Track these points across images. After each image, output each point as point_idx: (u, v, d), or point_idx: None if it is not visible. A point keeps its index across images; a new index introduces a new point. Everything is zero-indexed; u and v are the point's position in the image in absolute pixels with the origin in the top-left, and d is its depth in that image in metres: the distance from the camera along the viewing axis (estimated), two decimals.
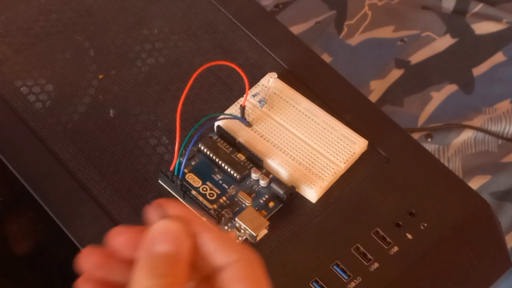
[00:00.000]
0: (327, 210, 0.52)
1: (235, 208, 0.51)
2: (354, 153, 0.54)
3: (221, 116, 0.55)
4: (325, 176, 0.53)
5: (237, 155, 0.54)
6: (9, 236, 0.57)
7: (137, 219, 0.51)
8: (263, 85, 0.57)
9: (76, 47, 0.60)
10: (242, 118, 0.55)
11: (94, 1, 0.63)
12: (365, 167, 0.54)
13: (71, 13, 0.62)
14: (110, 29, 0.61)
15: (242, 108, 0.54)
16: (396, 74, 0.83)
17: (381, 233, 0.51)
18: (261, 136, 0.54)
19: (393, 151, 0.56)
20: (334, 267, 0.49)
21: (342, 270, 0.49)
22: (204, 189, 0.52)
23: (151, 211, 0.31)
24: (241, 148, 0.54)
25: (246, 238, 0.50)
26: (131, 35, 0.61)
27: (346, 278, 0.49)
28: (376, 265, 0.50)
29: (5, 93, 0.56)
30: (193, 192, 0.52)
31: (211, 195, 0.52)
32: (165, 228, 0.30)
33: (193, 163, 0.53)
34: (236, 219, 0.50)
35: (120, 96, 0.57)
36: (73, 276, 0.31)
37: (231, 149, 0.54)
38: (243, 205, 0.52)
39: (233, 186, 0.52)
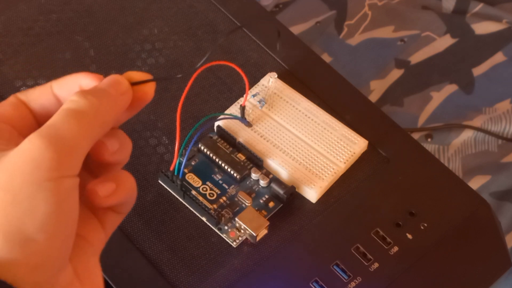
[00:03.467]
0: (327, 210, 0.52)
1: (235, 208, 0.51)
2: (354, 153, 0.54)
3: (221, 116, 0.55)
4: (325, 176, 0.53)
5: (237, 155, 0.54)
6: None
7: (137, 219, 0.51)
8: (263, 85, 0.57)
9: (76, 47, 0.60)
10: (242, 118, 0.55)
11: (94, 1, 0.63)
12: (365, 167, 0.54)
13: (71, 13, 0.62)
14: (110, 29, 0.61)
15: (242, 108, 0.54)
16: (396, 74, 0.83)
17: (381, 233, 0.51)
18: (261, 136, 0.54)
19: (393, 151, 0.56)
20: (334, 267, 0.49)
21: (342, 270, 0.49)
22: (204, 189, 0.52)
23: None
24: (241, 148, 0.54)
25: (246, 238, 0.50)
26: (131, 35, 0.61)
27: (346, 278, 0.49)
28: (376, 265, 0.50)
29: (5, 93, 0.56)
30: (193, 192, 0.52)
31: (211, 195, 0.52)
32: (115, 76, 0.32)
33: (193, 163, 0.53)
34: (236, 219, 0.50)
35: None
36: None
37: (231, 149, 0.54)
38: (243, 205, 0.52)
39: (233, 186, 0.52)
